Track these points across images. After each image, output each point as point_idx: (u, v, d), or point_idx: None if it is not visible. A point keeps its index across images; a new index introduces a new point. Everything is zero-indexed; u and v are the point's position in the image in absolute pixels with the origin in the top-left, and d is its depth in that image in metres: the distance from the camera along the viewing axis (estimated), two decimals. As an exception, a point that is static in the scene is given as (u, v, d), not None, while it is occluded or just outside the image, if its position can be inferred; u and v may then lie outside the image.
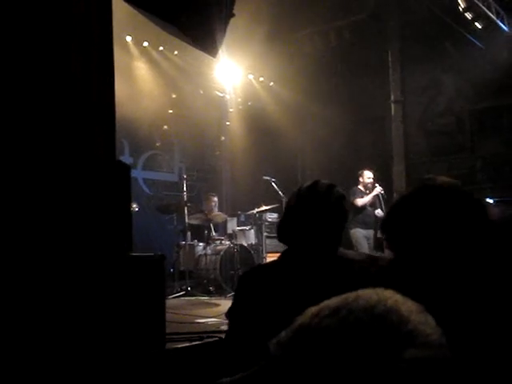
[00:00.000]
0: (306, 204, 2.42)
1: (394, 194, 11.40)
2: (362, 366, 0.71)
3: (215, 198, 10.66)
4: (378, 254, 10.20)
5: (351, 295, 0.82)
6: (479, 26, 10.17)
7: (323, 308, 0.80)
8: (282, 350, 0.79)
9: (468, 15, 9.99)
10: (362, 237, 9.70)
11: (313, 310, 0.82)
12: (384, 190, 9.92)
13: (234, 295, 2.60)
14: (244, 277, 2.56)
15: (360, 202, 9.66)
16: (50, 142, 2.44)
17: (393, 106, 11.99)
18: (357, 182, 9.95)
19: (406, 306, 0.79)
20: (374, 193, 9.71)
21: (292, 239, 2.46)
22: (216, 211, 10.41)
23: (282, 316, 0.92)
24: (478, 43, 10.54)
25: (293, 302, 0.89)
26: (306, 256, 2.35)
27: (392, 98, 11.97)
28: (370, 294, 0.81)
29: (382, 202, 9.81)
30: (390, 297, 0.81)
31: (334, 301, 0.82)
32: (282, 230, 2.51)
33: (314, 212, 2.39)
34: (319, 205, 2.39)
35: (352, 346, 0.72)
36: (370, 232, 9.89)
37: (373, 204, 9.86)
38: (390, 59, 11.89)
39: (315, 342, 0.75)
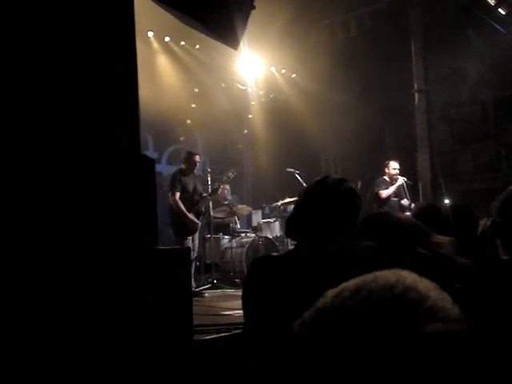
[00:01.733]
0: (313, 199, 2.42)
1: (419, 184, 11.34)
2: (386, 343, 0.72)
3: (227, 186, 10.76)
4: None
5: (369, 276, 0.83)
6: (503, 12, 10.04)
7: (343, 289, 0.81)
8: (307, 330, 0.80)
9: (491, 1, 9.87)
10: None
11: (332, 292, 0.83)
12: (408, 179, 9.85)
13: (244, 282, 2.60)
14: (254, 264, 2.56)
15: (384, 193, 9.58)
16: (75, 137, 2.47)
17: (416, 95, 11.88)
18: (382, 173, 9.88)
19: (424, 284, 0.81)
20: (398, 183, 9.62)
21: (299, 235, 2.46)
22: (227, 199, 10.59)
23: (292, 304, 0.92)
24: (501, 29, 10.41)
25: (301, 290, 0.89)
26: (315, 250, 2.35)
27: (415, 87, 11.86)
28: (387, 274, 0.83)
29: (407, 192, 9.73)
30: (408, 276, 0.82)
31: (352, 282, 0.83)
32: (290, 226, 2.51)
33: (321, 207, 2.38)
34: (326, 199, 2.38)
35: (375, 325, 0.74)
36: None
37: (398, 194, 9.78)
38: (412, 48, 11.77)
39: (339, 321, 0.77)
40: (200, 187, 8.98)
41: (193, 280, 7.03)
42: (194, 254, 8.27)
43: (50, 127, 2.41)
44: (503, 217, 2.42)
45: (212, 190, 9.04)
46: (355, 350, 0.72)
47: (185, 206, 8.50)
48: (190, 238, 8.53)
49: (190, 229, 8.52)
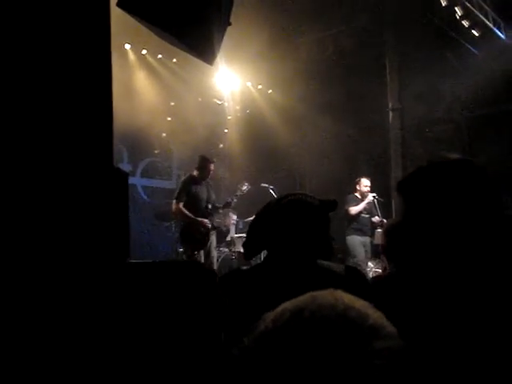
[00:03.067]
0: (262, 219, 2.46)
1: (392, 201, 11.43)
2: (333, 362, 0.73)
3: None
4: (376, 260, 10.24)
5: (306, 297, 0.84)
6: (476, 34, 10.22)
7: (283, 311, 0.82)
8: (250, 354, 0.80)
9: (465, 23, 10.04)
10: (358, 243, 9.73)
11: (271, 315, 0.84)
12: (382, 197, 9.95)
13: None
14: (223, 278, 2.58)
15: (353, 210, 9.68)
16: (46, 148, 2.45)
17: (391, 113, 12.01)
18: (353, 190, 9.98)
19: (359, 302, 0.83)
20: (367, 200, 9.73)
21: (256, 256, 2.50)
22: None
23: (255, 318, 0.93)
24: (475, 51, 10.58)
25: (266, 305, 0.90)
26: (281, 263, 2.36)
27: (390, 105, 11.99)
28: (324, 294, 0.84)
29: (378, 209, 9.84)
30: (344, 295, 0.84)
31: (290, 304, 0.84)
32: (247, 250, 2.54)
33: (268, 223, 2.42)
34: (271, 216, 2.41)
35: (322, 344, 0.74)
36: (367, 239, 9.91)
37: (369, 211, 9.88)
38: (387, 66, 11.91)
39: (283, 343, 0.77)
40: (214, 196, 8.42)
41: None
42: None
43: (21, 137, 2.39)
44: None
45: (225, 204, 8.55)
46: (303, 370, 0.72)
47: (196, 215, 7.90)
48: (201, 252, 7.96)
49: (199, 240, 7.95)
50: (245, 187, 8.75)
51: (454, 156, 1.80)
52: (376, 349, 0.74)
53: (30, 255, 2.33)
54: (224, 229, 9.59)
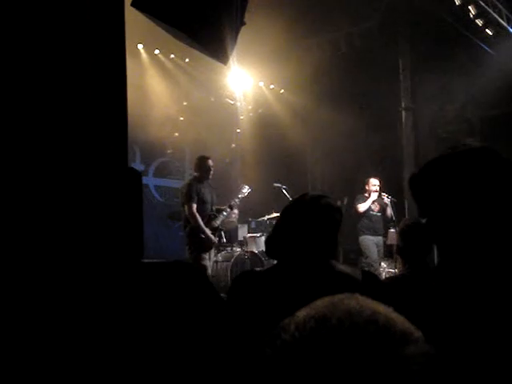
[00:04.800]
0: (291, 216, 2.42)
1: (405, 201, 11.38)
2: (367, 371, 0.71)
3: (236, 211, 10.63)
4: (389, 260, 10.20)
5: (326, 303, 0.81)
6: (490, 33, 10.15)
7: (306, 319, 0.79)
8: (275, 364, 0.77)
9: (479, 22, 9.98)
10: (371, 244, 9.69)
11: (292, 322, 0.80)
12: (394, 197, 9.93)
13: (226, 298, 2.60)
14: (236, 279, 2.55)
15: (361, 207, 9.70)
16: (62, 149, 2.46)
17: (403, 113, 11.95)
18: (363, 190, 9.98)
19: (383, 307, 0.80)
20: (373, 197, 9.71)
21: (279, 254, 2.46)
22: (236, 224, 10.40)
23: (270, 322, 0.90)
24: (488, 50, 10.52)
25: (281, 309, 0.88)
26: (297, 266, 2.34)
27: (403, 105, 11.93)
28: (346, 300, 0.81)
29: (392, 208, 9.80)
30: (366, 300, 0.82)
31: (312, 311, 0.81)
32: (270, 246, 2.51)
33: (300, 223, 2.37)
34: (304, 216, 2.37)
35: (354, 352, 0.72)
36: (380, 238, 9.88)
37: (381, 210, 9.86)
38: (400, 66, 11.86)
39: (314, 354, 0.74)
40: (215, 198, 8.28)
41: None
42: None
43: (34, 138, 2.40)
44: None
45: (228, 206, 8.42)
46: (335, 380, 0.70)
47: (202, 219, 7.80)
48: (207, 255, 7.93)
49: (206, 245, 7.91)
50: (245, 189, 8.70)
51: (477, 144, 1.66)
52: (409, 355, 0.73)
53: (45, 254, 2.33)
54: (223, 228, 9.55)
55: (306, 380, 0.72)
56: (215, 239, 8.10)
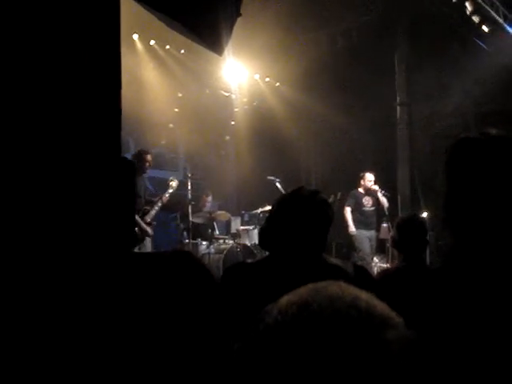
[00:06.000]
0: (288, 209, 2.42)
1: (398, 196, 11.40)
2: (349, 355, 0.71)
3: (209, 198, 10.64)
4: (381, 255, 10.23)
5: (309, 289, 0.83)
6: (486, 30, 10.15)
7: (288, 304, 0.80)
8: (253, 350, 0.78)
9: (475, 18, 9.97)
10: (363, 237, 9.72)
11: (275, 308, 0.81)
12: (388, 191, 9.93)
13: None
14: (227, 271, 2.55)
15: (347, 212, 9.73)
16: (55, 139, 2.45)
17: (398, 108, 11.96)
18: (357, 185, 9.97)
19: (365, 293, 0.82)
20: (350, 227, 9.76)
21: (273, 245, 2.46)
22: (208, 208, 10.43)
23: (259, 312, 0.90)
24: (484, 46, 10.52)
25: (272, 299, 0.88)
26: (289, 258, 2.35)
27: (398, 100, 11.94)
28: (328, 286, 0.83)
29: (385, 202, 9.80)
30: (348, 286, 0.83)
31: (294, 296, 0.82)
32: (263, 237, 2.51)
33: (295, 217, 2.38)
34: (301, 210, 2.38)
35: (334, 337, 0.73)
36: (373, 233, 9.90)
37: (374, 204, 9.87)
38: (396, 61, 11.86)
39: (294, 338, 0.75)
40: (148, 190, 8.25)
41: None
42: None
43: (29, 129, 2.39)
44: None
45: (158, 199, 8.34)
46: (316, 364, 0.71)
47: (137, 213, 7.54)
48: (137, 248, 7.57)
49: (140, 238, 7.71)
50: (175, 183, 8.58)
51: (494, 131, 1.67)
52: (389, 339, 0.73)
53: (39, 244, 2.33)
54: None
55: (287, 363, 0.73)
56: (151, 231, 8.11)
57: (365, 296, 0.80)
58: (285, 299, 0.83)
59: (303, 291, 0.83)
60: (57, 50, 2.50)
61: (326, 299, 0.78)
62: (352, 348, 0.71)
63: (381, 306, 0.79)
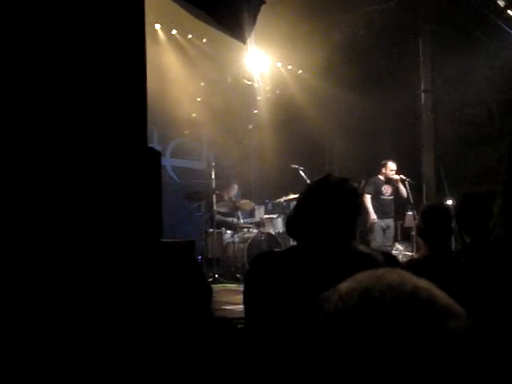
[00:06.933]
0: (316, 198, 2.40)
1: (423, 184, 11.32)
2: (411, 344, 0.71)
3: (235, 186, 10.66)
4: (406, 243, 10.14)
5: (369, 276, 0.82)
6: (511, 14, 10.01)
7: (348, 291, 0.80)
8: (315, 335, 0.78)
9: (500, 3, 9.84)
10: (377, 228, 9.59)
11: (335, 294, 0.81)
12: (413, 180, 9.83)
13: (245, 277, 2.59)
14: (256, 260, 2.54)
15: (366, 203, 9.55)
16: (82, 130, 2.47)
17: (422, 95, 11.85)
18: (378, 172, 9.87)
19: (424, 281, 0.81)
20: (371, 214, 9.61)
21: (301, 234, 2.44)
22: (234, 197, 10.44)
23: (292, 303, 0.90)
24: (510, 31, 10.36)
25: (302, 289, 0.87)
26: (318, 247, 2.33)
27: (422, 87, 11.83)
28: (388, 273, 0.82)
29: (408, 189, 9.67)
30: (407, 274, 0.83)
31: (354, 283, 0.82)
32: (291, 225, 2.50)
33: (324, 206, 2.36)
34: (330, 198, 2.36)
35: (396, 325, 0.73)
36: (389, 221, 9.80)
37: (393, 193, 9.77)
38: (420, 48, 11.73)
39: (356, 325, 0.75)
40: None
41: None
42: None
43: (57, 119, 2.41)
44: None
45: None
46: (377, 352, 0.71)
47: None
48: None
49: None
50: None
51: None
52: (452, 329, 0.73)
53: (68, 231, 2.35)
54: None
55: (350, 351, 0.73)
56: None
57: (426, 285, 0.80)
58: (344, 286, 0.82)
59: (362, 278, 0.83)
60: (83, 42, 2.51)
61: (387, 287, 0.78)
62: (416, 337, 0.71)
63: (442, 296, 0.78)
